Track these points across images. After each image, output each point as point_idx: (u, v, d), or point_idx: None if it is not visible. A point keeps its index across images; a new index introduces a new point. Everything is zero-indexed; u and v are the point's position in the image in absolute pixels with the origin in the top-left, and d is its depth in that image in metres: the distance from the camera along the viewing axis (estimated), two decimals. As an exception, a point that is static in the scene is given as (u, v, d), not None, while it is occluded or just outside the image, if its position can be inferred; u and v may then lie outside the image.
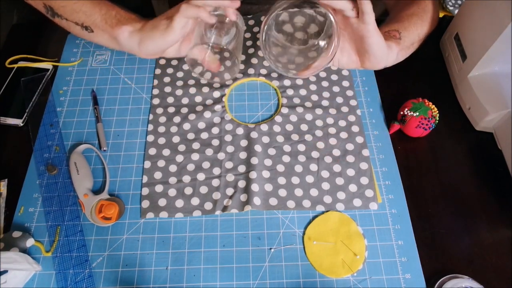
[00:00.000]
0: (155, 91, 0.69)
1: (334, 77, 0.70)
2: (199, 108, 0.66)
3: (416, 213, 0.57)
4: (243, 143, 0.63)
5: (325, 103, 0.67)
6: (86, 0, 0.58)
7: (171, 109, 0.66)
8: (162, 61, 0.73)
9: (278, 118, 0.65)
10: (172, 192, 0.58)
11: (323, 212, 0.57)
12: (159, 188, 0.59)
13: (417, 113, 0.60)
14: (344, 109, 0.66)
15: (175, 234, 0.56)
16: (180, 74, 0.71)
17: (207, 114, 0.66)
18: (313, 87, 0.69)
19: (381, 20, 0.61)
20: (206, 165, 0.61)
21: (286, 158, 0.61)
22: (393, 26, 0.59)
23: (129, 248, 0.55)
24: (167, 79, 0.70)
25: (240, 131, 0.64)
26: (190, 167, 0.61)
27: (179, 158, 0.61)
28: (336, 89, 0.69)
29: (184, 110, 0.66)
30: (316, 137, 0.63)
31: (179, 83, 0.70)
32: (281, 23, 0.57)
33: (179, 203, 0.58)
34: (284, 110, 0.66)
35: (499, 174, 0.60)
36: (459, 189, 0.59)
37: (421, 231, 0.56)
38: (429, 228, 0.56)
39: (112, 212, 0.55)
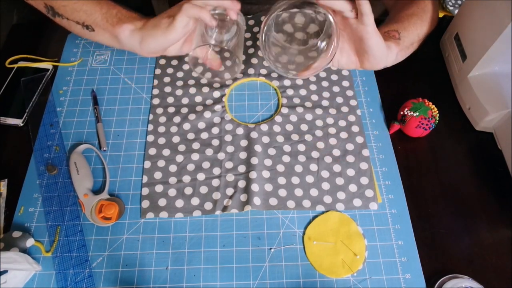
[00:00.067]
0: (155, 91, 0.69)
1: (334, 77, 0.70)
2: (199, 108, 0.66)
3: (416, 213, 0.57)
4: (243, 143, 0.63)
5: (325, 103, 0.67)
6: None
7: (171, 109, 0.66)
8: (162, 61, 0.72)
9: (278, 118, 0.65)
10: (172, 192, 0.58)
11: (323, 212, 0.57)
12: (159, 188, 0.59)
13: (417, 113, 0.60)
14: (344, 109, 0.66)
15: (175, 234, 0.56)
16: (180, 74, 0.71)
17: (207, 114, 0.65)
18: (313, 87, 0.69)
19: (381, 20, 0.61)
20: (206, 165, 0.61)
21: (286, 158, 0.61)
22: (393, 26, 0.59)
23: (129, 248, 0.55)
24: (167, 79, 0.70)
25: (240, 131, 0.64)
26: (190, 167, 0.61)
27: (179, 158, 0.61)
28: (336, 89, 0.69)
29: (184, 110, 0.66)
30: (316, 137, 0.63)
31: (179, 83, 0.70)
32: (281, 23, 0.57)
33: (179, 203, 0.58)
34: (284, 110, 0.66)
35: (499, 174, 0.60)
36: (459, 189, 0.59)
37: (421, 231, 0.56)
38: (429, 228, 0.56)
39: (112, 212, 0.55)
